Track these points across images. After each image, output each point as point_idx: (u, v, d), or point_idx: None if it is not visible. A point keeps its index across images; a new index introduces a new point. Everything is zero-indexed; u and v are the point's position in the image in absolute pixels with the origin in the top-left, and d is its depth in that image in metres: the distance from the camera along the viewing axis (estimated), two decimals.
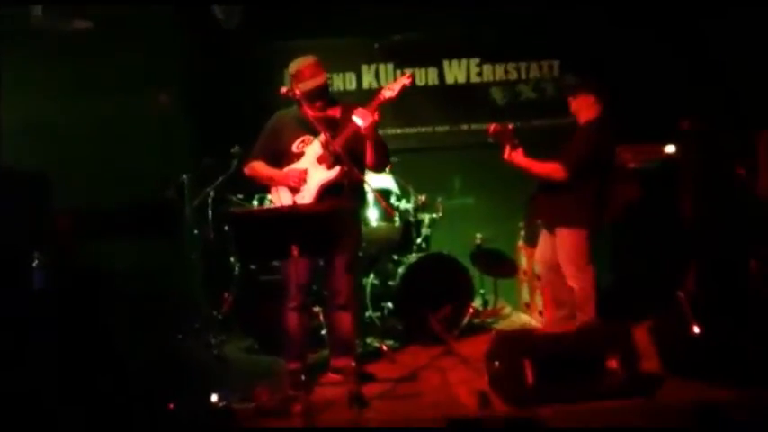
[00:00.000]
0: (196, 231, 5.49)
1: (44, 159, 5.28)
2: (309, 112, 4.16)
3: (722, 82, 6.01)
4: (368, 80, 7.08)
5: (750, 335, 3.93)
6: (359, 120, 4.05)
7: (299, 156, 4.26)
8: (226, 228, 5.44)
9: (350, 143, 4.12)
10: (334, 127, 4.19)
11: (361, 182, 4.21)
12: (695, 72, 6.23)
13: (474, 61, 7.16)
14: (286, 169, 4.24)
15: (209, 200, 5.48)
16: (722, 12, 6.03)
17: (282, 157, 4.29)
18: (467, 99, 7.15)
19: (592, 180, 4.56)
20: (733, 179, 5.53)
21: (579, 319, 4.59)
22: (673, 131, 5.86)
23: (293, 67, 4.21)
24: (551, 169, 4.56)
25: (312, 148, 4.24)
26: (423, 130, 7.16)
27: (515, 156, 4.61)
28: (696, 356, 3.96)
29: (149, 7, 5.58)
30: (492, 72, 7.18)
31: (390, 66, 7.07)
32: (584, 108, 4.68)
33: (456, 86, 7.15)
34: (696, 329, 3.97)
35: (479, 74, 7.17)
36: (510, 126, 4.67)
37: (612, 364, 3.87)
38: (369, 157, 4.19)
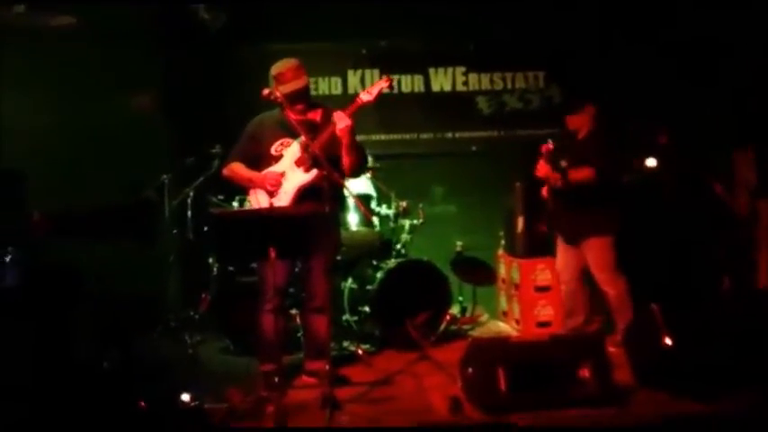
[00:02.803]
0: (175, 231, 5.47)
1: (22, 158, 5.23)
2: (290, 115, 4.18)
3: (704, 99, 6.06)
4: (353, 85, 7.08)
5: (720, 349, 3.96)
6: (337, 122, 4.06)
7: (278, 158, 4.26)
8: (205, 228, 5.42)
9: (329, 146, 4.12)
10: (314, 130, 4.20)
11: (340, 185, 4.22)
12: (678, 88, 6.27)
13: (460, 70, 7.18)
14: (264, 172, 4.24)
15: (189, 200, 5.47)
16: (707, 27, 6.09)
17: (261, 159, 4.29)
18: (452, 107, 7.18)
19: (614, 186, 4.70)
20: (711, 195, 5.60)
21: (618, 322, 4.73)
22: (653, 146, 5.92)
23: (275, 69, 4.22)
24: (588, 174, 4.63)
25: (291, 151, 4.25)
26: (407, 136, 7.18)
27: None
28: (667, 368, 3.99)
29: (133, 6, 5.54)
30: (478, 81, 7.22)
31: (376, 71, 7.08)
32: (586, 122, 4.81)
33: (442, 94, 7.18)
34: (668, 341, 4.00)
35: (465, 82, 7.20)
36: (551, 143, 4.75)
37: (585, 373, 3.90)
38: (344, 161, 4.19)
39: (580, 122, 4.83)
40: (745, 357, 3.98)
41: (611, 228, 4.74)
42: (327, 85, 7.06)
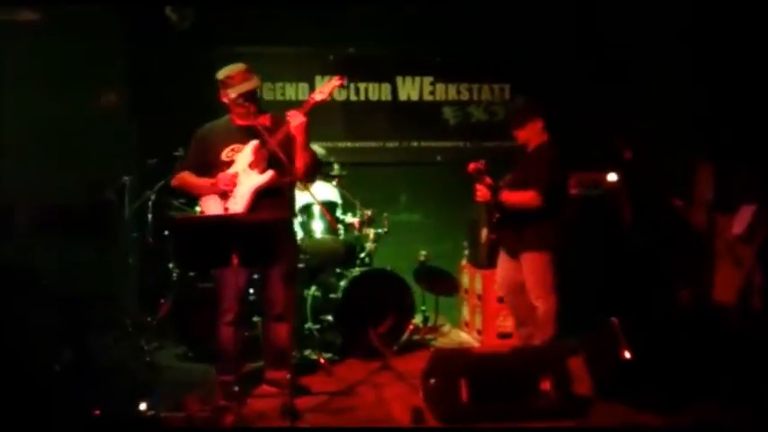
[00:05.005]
0: (135, 234, 5.37)
1: None
2: (240, 120, 4.14)
3: (666, 113, 6.14)
4: None
5: (678, 362, 4.01)
6: (291, 119, 4.03)
7: (230, 164, 4.19)
8: (166, 232, 5.33)
9: (283, 147, 4.05)
10: (266, 133, 4.14)
11: (294, 188, 4.16)
12: (640, 102, 6.36)
13: (427, 79, 7.20)
14: (217, 176, 4.18)
15: (150, 203, 5.38)
16: (672, 42, 6.17)
17: (212, 166, 4.21)
18: (418, 116, 7.19)
19: (556, 203, 4.59)
20: (670, 210, 5.67)
21: (539, 338, 4.60)
22: (615, 160, 5.98)
23: (222, 73, 4.15)
24: (528, 198, 4.50)
25: (243, 156, 4.18)
26: (373, 144, 7.16)
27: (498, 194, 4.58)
28: (627, 381, 4.02)
29: (99, 3, 5.45)
30: (444, 91, 7.24)
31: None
32: (534, 135, 4.72)
33: (408, 103, 7.18)
34: (627, 354, 4.04)
35: (432, 92, 7.22)
36: (482, 162, 4.67)
37: (546, 385, 3.91)
38: (298, 161, 4.13)
39: (526, 136, 4.74)
40: (702, 370, 4.04)
41: (549, 244, 4.58)
42: (294, 91, 7.00)
